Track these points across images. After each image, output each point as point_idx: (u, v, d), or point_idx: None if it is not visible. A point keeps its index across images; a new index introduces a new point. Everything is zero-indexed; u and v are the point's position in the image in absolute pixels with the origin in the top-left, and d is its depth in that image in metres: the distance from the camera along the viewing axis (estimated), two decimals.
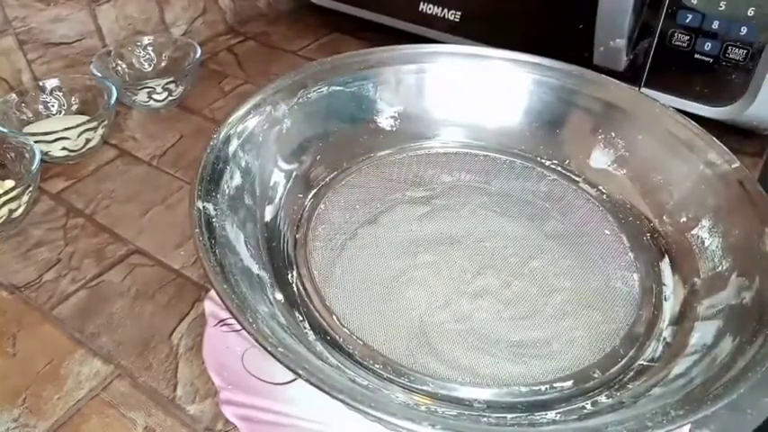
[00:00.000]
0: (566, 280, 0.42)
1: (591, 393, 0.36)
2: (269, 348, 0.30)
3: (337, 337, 0.39)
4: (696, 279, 0.42)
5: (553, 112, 0.54)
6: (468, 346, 0.39)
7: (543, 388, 0.37)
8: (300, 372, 0.30)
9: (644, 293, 0.43)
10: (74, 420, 0.38)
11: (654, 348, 0.39)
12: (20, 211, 0.51)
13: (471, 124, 0.55)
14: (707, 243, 0.43)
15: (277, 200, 0.48)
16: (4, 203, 0.49)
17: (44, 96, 0.61)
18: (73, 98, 0.62)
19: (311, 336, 0.38)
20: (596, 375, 0.38)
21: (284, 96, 0.50)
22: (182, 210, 0.53)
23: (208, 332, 0.40)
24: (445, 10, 0.67)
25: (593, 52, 0.58)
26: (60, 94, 0.61)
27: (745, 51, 0.53)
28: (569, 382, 0.37)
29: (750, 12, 0.51)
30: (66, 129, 0.55)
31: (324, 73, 0.53)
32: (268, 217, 0.46)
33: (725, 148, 0.45)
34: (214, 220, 0.39)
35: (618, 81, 0.52)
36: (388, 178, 0.51)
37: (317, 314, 0.41)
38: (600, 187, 0.51)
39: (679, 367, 0.36)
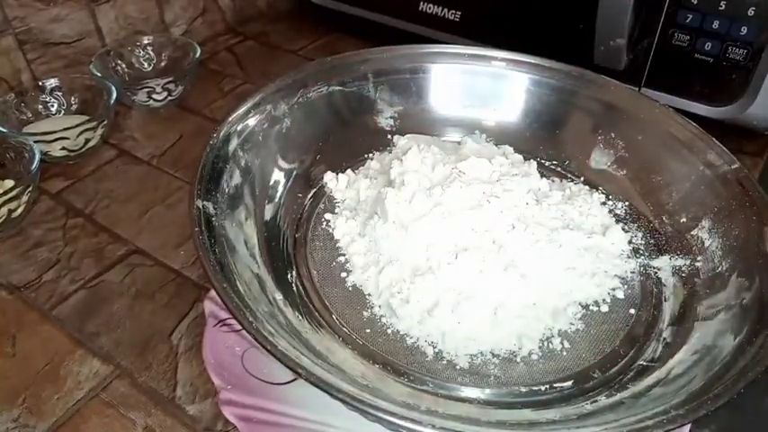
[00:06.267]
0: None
1: (591, 393, 0.37)
2: (269, 348, 0.30)
3: (337, 336, 0.39)
4: (696, 279, 0.42)
5: (553, 112, 0.54)
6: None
7: (543, 388, 0.37)
8: (300, 371, 0.30)
9: (644, 294, 0.43)
10: (73, 420, 0.38)
11: (654, 349, 0.39)
12: (19, 211, 0.50)
13: (471, 125, 0.56)
14: (707, 243, 0.43)
15: (277, 199, 0.48)
16: (4, 203, 0.48)
17: (44, 96, 0.61)
18: (72, 98, 0.62)
19: (311, 335, 0.38)
20: (596, 375, 0.38)
21: (284, 96, 0.50)
22: (181, 209, 0.53)
23: (208, 332, 0.40)
24: (445, 10, 0.67)
25: (593, 52, 0.58)
26: (60, 93, 0.61)
27: (745, 51, 0.53)
28: (569, 382, 0.37)
29: (750, 12, 0.51)
30: (66, 129, 0.55)
31: (324, 73, 0.53)
32: (268, 216, 0.46)
33: (724, 149, 0.45)
34: (214, 219, 0.39)
35: (618, 81, 0.52)
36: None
37: (316, 314, 0.41)
38: (600, 187, 0.51)
39: (679, 367, 0.36)
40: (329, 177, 0.51)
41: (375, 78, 0.55)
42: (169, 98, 0.65)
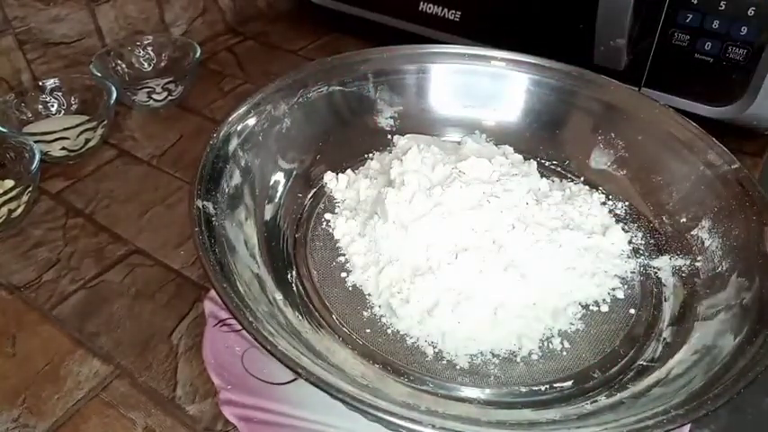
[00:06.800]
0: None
1: (591, 393, 0.36)
2: (269, 348, 0.30)
3: (337, 336, 0.39)
4: (696, 279, 0.42)
5: (553, 112, 0.54)
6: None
7: (543, 388, 0.37)
8: (300, 371, 0.30)
9: (644, 294, 0.43)
10: (73, 420, 0.38)
11: (654, 349, 0.39)
12: (19, 211, 0.50)
13: (471, 125, 0.56)
14: (707, 243, 0.43)
15: (277, 199, 0.48)
16: (4, 203, 0.48)
17: (44, 96, 0.61)
18: (72, 98, 0.62)
19: (311, 335, 0.38)
20: (596, 375, 0.38)
21: (284, 96, 0.50)
22: (181, 209, 0.53)
23: (208, 332, 0.40)
24: (445, 10, 0.67)
25: (593, 52, 0.58)
26: (60, 93, 0.61)
27: (745, 51, 0.53)
28: (569, 382, 0.37)
29: (750, 12, 0.51)
30: (66, 129, 0.55)
31: (324, 73, 0.53)
32: (268, 216, 0.46)
33: (725, 149, 0.45)
34: (214, 219, 0.39)
35: (618, 81, 0.52)
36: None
37: (316, 314, 0.41)
38: (600, 187, 0.51)
39: (679, 367, 0.36)
40: (329, 177, 0.51)
41: (375, 78, 0.55)
42: (169, 98, 0.65)
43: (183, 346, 0.42)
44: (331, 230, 0.47)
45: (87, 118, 0.57)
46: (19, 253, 0.49)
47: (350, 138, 0.54)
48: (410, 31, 0.70)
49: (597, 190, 0.50)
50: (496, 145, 0.54)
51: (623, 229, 0.46)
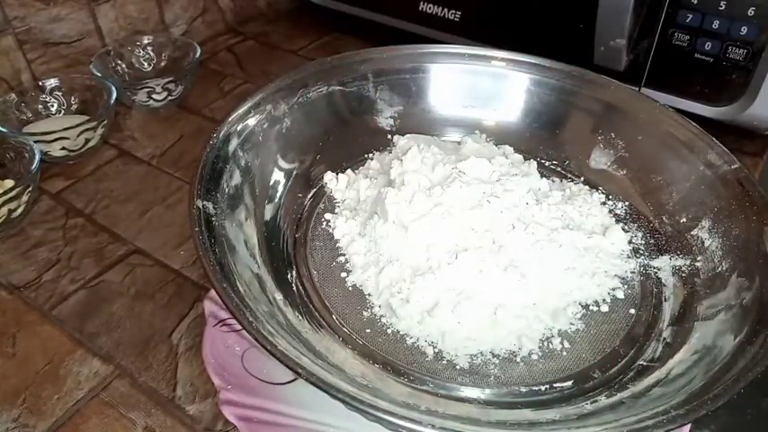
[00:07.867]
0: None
1: (591, 393, 0.36)
2: (269, 348, 0.30)
3: (337, 336, 0.39)
4: (696, 279, 0.42)
5: (553, 112, 0.54)
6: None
7: (543, 388, 0.37)
8: (300, 371, 0.30)
9: (644, 294, 0.43)
10: (73, 420, 0.38)
11: (654, 349, 0.39)
12: (19, 211, 0.50)
13: (471, 125, 0.56)
14: (707, 243, 0.43)
15: (277, 199, 0.48)
16: (4, 203, 0.48)
17: (44, 96, 0.61)
18: (72, 98, 0.62)
19: (311, 335, 0.38)
20: (596, 375, 0.38)
21: (284, 96, 0.50)
22: (181, 209, 0.53)
23: (208, 332, 0.40)
24: (445, 10, 0.67)
25: (593, 52, 0.58)
26: (60, 93, 0.61)
27: (745, 51, 0.53)
28: (569, 382, 0.37)
29: (750, 12, 0.51)
30: (66, 129, 0.55)
31: (324, 73, 0.53)
32: (268, 216, 0.46)
33: (725, 149, 0.45)
34: (214, 219, 0.39)
35: (618, 81, 0.52)
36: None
37: (316, 314, 0.41)
38: (600, 187, 0.51)
39: (679, 367, 0.36)
40: (329, 177, 0.51)
41: (375, 78, 0.55)
42: (169, 98, 0.65)
43: (183, 346, 0.42)
44: (331, 230, 0.47)
45: (87, 118, 0.57)
46: (19, 253, 0.49)
47: (350, 138, 0.54)
48: (410, 31, 0.70)
49: (597, 190, 0.50)
50: (496, 145, 0.54)
51: (623, 229, 0.46)
